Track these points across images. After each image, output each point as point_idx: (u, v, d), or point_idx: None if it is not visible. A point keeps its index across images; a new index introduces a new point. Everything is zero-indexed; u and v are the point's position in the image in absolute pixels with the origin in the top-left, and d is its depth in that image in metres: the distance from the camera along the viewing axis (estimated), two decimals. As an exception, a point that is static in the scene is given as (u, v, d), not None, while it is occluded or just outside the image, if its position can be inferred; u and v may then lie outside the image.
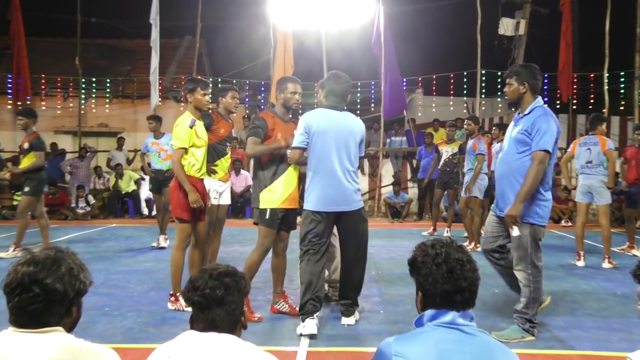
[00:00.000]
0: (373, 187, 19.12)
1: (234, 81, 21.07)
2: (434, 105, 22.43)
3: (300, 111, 8.38)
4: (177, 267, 6.83)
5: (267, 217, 6.41)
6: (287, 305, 6.73)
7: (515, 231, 5.72)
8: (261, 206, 6.43)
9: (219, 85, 19.30)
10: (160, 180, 11.76)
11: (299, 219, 6.45)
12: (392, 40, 18.58)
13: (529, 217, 5.75)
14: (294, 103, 6.48)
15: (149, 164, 12.21)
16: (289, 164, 6.36)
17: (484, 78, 19.05)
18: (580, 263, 10.19)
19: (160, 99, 18.85)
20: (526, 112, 5.85)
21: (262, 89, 21.79)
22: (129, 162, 18.69)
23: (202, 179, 6.96)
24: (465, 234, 12.35)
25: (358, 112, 19.66)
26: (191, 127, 6.66)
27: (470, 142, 11.63)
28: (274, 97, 11.34)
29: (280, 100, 6.53)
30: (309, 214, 6.10)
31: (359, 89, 21.16)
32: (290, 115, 6.67)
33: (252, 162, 7.79)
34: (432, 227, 14.16)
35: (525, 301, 5.82)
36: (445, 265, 2.49)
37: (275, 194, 6.40)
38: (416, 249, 2.62)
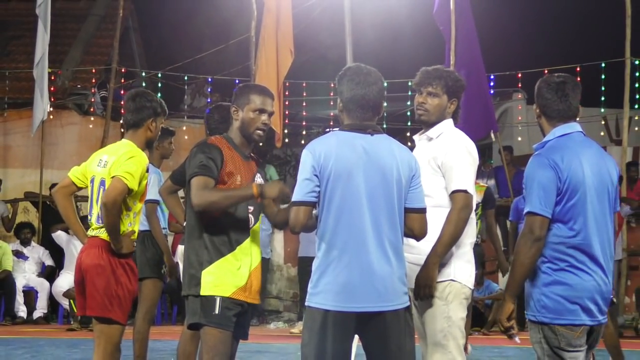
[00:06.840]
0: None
1: (185, 77, 17.61)
2: (545, 121, 19.66)
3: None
4: None
5: (217, 310, 4.89)
6: None
7: None
8: (204, 292, 4.92)
9: (159, 85, 17.28)
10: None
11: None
12: (472, 7, 14.00)
13: None
14: (256, 130, 4.99)
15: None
16: (249, 229, 5.02)
17: (638, 74, 14.66)
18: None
19: (51, 108, 15.67)
20: None
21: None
22: (5, 222, 15.25)
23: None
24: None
25: (408, 133, 16.37)
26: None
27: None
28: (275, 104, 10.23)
29: (236, 120, 5.12)
30: (315, 315, 4.42)
31: (409, 93, 16.62)
32: (251, 150, 5.34)
33: (191, 218, 5.34)
34: None
35: None
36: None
37: (229, 275, 4.92)
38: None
